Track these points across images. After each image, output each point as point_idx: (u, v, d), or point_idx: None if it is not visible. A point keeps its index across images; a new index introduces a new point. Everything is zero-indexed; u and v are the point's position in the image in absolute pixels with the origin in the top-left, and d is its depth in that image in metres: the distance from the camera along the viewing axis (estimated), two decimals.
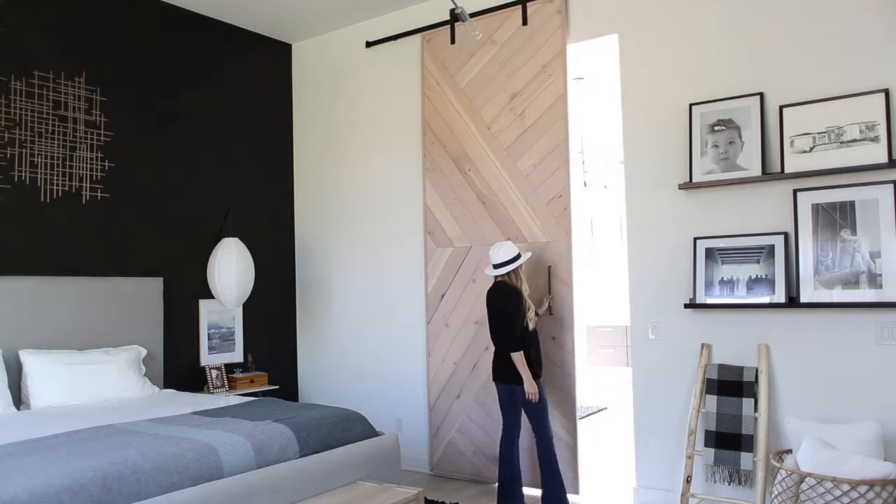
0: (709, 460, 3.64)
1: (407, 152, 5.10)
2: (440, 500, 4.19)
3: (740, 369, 3.63)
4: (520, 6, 4.54)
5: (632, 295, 4.07)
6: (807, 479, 2.97)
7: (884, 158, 3.30)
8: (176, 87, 5.04)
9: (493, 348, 3.91)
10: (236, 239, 4.88)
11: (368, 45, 5.26)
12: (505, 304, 3.80)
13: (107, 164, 4.60)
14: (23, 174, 4.21)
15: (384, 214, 5.23)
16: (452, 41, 4.84)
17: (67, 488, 2.38)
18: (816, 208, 3.47)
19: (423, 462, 4.88)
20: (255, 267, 5.00)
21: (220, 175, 5.28)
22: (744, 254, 3.67)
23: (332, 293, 5.51)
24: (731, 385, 3.63)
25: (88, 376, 4.04)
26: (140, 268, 4.73)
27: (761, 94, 3.67)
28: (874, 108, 3.34)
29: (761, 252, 3.62)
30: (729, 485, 3.68)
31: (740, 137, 3.70)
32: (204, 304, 5.07)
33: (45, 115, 4.32)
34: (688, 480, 3.66)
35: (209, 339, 5.10)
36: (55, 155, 4.35)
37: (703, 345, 3.79)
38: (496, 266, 3.86)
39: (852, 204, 3.39)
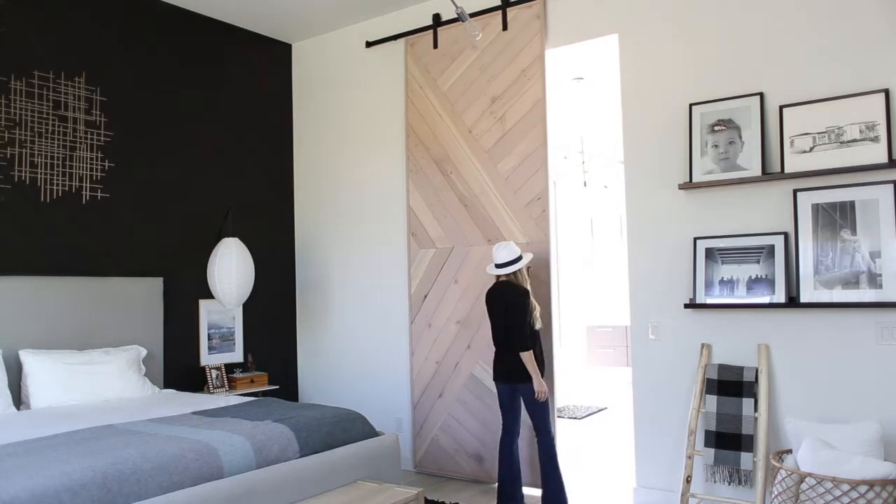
0: (709, 460, 3.64)
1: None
2: (440, 500, 4.19)
3: (740, 369, 3.63)
4: (500, 11, 4.62)
5: (632, 295, 4.07)
6: (807, 479, 2.97)
7: (884, 158, 3.30)
8: (176, 86, 5.04)
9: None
10: (236, 239, 4.88)
11: (368, 45, 5.26)
12: (515, 303, 3.79)
13: (107, 164, 4.60)
14: (23, 174, 4.21)
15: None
16: (435, 46, 4.91)
17: (67, 488, 2.38)
18: (816, 208, 3.47)
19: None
20: (255, 267, 4.99)
21: (220, 175, 5.28)
22: (744, 254, 3.67)
23: (331, 293, 5.51)
24: (731, 385, 3.63)
25: (88, 376, 4.04)
26: (140, 268, 4.73)
27: (761, 94, 3.67)
28: (874, 108, 3.34)
29: (761, 252, 3.62)
30: (729, 485, 3.68)
31: (740, 137, 3.70)
32: (204, 304, 5.07)
33: (45, 115, 4.32)
34: (688, 480, 3.66)
35: (209, 339, 5.10)
36: (55, 155, 4.35)
37: (703, 345, 3.79)
38: (502, 265, 3.85)
39: (852, 204, 3.39)
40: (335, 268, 5.51)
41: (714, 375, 3.69)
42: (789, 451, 3.41)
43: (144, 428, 3.16)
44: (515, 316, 3.76)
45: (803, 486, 2.98)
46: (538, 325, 3.86)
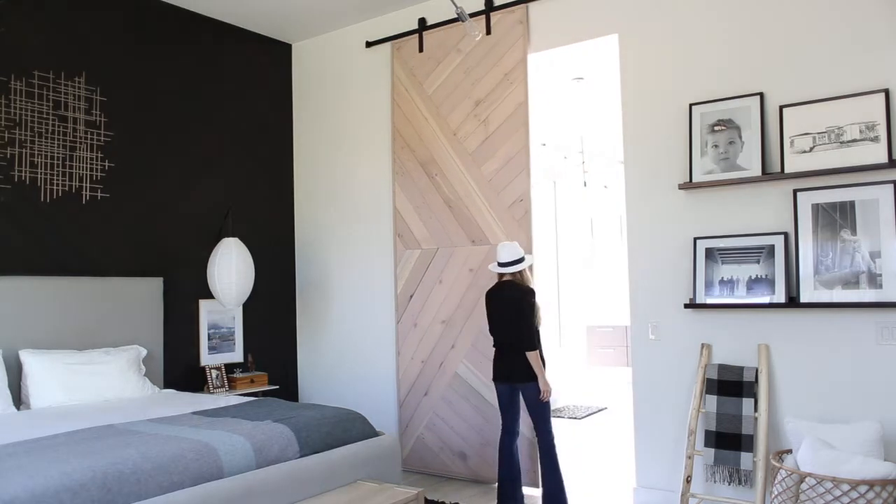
0: (709, 460, 3.64)
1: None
2: (440, 500, 4.19)
3: (740, 369, 3.63)
4: (484, 16, 4.67)
5: (632, 295, 4.07)
6: (807, 479, 2.97)
7: (884, 158, 3.30)
8: (176, 86, 5.04)
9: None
10: (236, 239, 4.88)
11: (368, 45, 5.26)
12: (522, 302, 3.78)
13: (107, 164, 4.60)
14: (23, 174, 4.21)
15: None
16: (421, 49, 4.96)
17: (67, 488, 2.38)
18: (816, 208, 3.47)
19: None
20: (255, 267, 5.00)
21: (220, 175, 5.28)
22: (744, 254, 3.67)
23: (331, 293, 5.52)
24: (731, 385, 3.63)
25: (88, 376, 4.04)
26: (140, 268, 4.73)
27: (761, 94, 3.67)
28: (874, 108, 3.34)
29: (761, 252, 3.62)
30: (729, 485, 3.68)
31: (740, 137, 3.70)
32: (204, 304, 5.07)
33: (45, 115, 4.32)
34: (688, 480, 3.66)
35: (209, 339, 5.10)
36: (55, 155, 4.35)
37: (703, 345, 3.79)
38: (507, 264, 3.85)
39: (852, 204, 3.39)
40: (335, 268, 5.51)
41: (714, 375, 3.69)
42: (789, 451, 3.41)
43: (144, 428, 3.16)
44: (522, 315, 3.76)
45: (803, 486, 2.98)
46: (540, 325, 3.86)
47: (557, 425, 6.15)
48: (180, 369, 4.92)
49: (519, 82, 4.52)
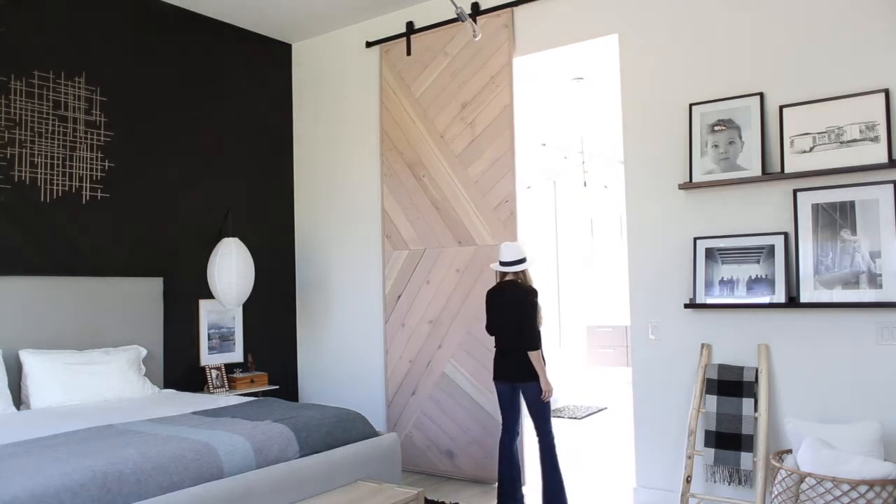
0: (709, 460, 3.64)
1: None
2: (440, 500, 4.19)
3: (740, 369, 3.63)
4: (469, 20, 4.67)
5: (632, 295, 4.07)
6: (807, 479, 2.97)
7: (884, 158, 3.30)
8: (176, 86, 5.04)
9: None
10: (236, 239, 4.88)
11: (369, 45, 5.26)
12: (526, 301, 3.79)
13: (107, 164, 4.60)
14: (23, 174, 4.21)
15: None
16: (408, 52, 5.02)
17: (67, 488, 2.38)
18: (816, 208, 3.47)
19: None
20: (255, 267, 5.00)
21: (220, 175, 5.28)
22: (744, 254, 3.67)
23: (332, 293, 5.52)
24: (731, 385, 3.63)
25: (88, 376, 4.04)
26: (140, 268, 4.73)
27: (761, 94, 3.67)
28: (874, 108, 3.34)
29: (761, 252, 3.62)
30: (729, 485, 3.68)
31: (740, 137, 3.70)
32: (204, 304, 5.07)
33: (45, 115, 4.32)
34: (688, 480, 3.66)
35: (209, 339, 5.10)
36: (55, 155, 4.35)
37: (703, 345, 3.79)
38: (511, 263, 3.85)
39: (852, 204, 3.39)
40: (335, 268, 5.52)
41: (714, 375, 3.69)
42: (789, 451, 3.41)
43: (144, 428, 3.16)
44: (525, 315, 3.76)
45: (803, 486, 2.98)
46: (541, 325, 3.87)
47: (557, 425, 6.15)
48: (180, 369, 4.92)
49: (504, 85, 4.59)
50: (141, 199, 4.78)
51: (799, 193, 3.51)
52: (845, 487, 2.87)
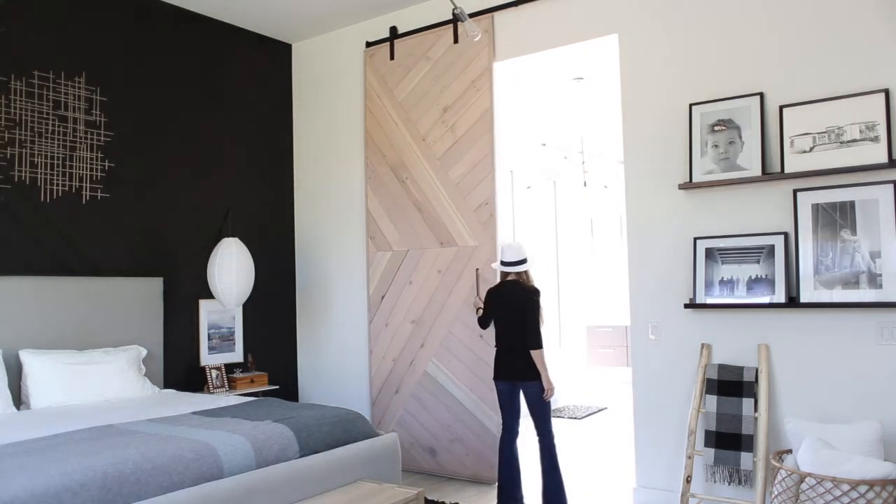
0: (709, 460, 3.64)
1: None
2: (440, 500, 4.19)
3: (740, 369, 3.63)
4: (451, 25, 4.81)
5: (632, 295, 4.07)
6: (807, 479, 2.97)
7: (884, 158, 3.30)
8: (176, 86, 5.04)
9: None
10: (236, 239, 4.88)
11: (368, 45, 5.26)
12: (529, 301, 3.80)
13: (107, 164, 4.60)
14: (23, 174, 4.21)
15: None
16: (392, 57, 5.08)
17: (67, 488, 2.38)
18: (816, 208, 3.47)
19: None
20: (255, 267, 5.00)
21: (220, 175, 5.28)
22: (744, 254, 3.67)
23: (332, 293, 5.52)
24: (731, 385, 3.63)
25: (88, 376, 4.04)
26: (140, 268, 4.73)
27: (761, 94, 3.67)
28: (874, 108, 3.34)
29: (761, 252, 3.62)
30: (729, 485, 3.68)
31: (740, 137, 3.70)
32: (204, 304, 5.07)
33: (45, 115, 4.32)
34: (688, 480, 3.66)
35: (209, 339, 5.10)
36: (55, 155, 4.35)
37: (703, 345, 3.79)
38: (514, 263, 3.86)
39: (852, 204, 3.39)
40: (335, 268, 5.52)
41: (714, 375, 3.69)
42: (789, 451, 3.41)
43: (144, 428, 3.16)
44: (528, 314, 3.77)
45: (803, 486, 2.98)
46: (542, 325, 3.87)
47: (557, 425, 6.15)
48: (180, 369, 4.92)
49: (485, 90, 4.65)
50: (141, 199, 4.78)
51: (799, 193, 3.51)
52: (845, 487, 2.87)
